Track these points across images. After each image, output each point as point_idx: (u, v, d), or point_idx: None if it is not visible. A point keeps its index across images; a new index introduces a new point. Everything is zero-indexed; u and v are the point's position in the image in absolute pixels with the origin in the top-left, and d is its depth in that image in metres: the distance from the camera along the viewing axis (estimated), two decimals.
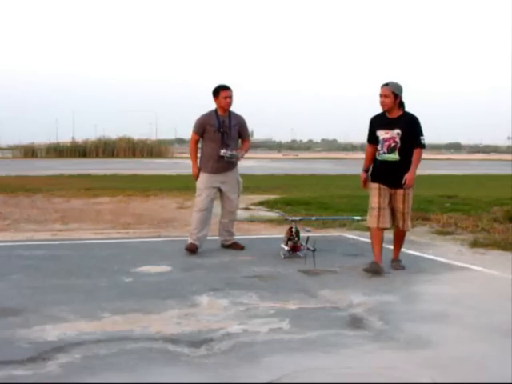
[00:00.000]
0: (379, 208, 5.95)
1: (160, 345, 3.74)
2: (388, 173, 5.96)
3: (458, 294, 5.10)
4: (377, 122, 6.14)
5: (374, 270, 5.75)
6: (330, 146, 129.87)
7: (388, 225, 6.05)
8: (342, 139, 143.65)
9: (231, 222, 7.15)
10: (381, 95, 5.94)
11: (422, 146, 5.96)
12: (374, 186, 6.04)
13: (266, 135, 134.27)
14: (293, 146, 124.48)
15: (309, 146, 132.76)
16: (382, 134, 6.00)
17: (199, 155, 7.11)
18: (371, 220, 6.01)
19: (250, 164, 38.22)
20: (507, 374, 3.26)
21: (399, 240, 6.35)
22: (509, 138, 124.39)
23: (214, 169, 6.89)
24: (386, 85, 5.94)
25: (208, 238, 7.05)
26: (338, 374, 3.26)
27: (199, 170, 6.96)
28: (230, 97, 6.86)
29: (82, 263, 6.30)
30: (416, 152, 5.93)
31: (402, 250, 6.47)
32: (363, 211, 11.25)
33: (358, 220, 8.44)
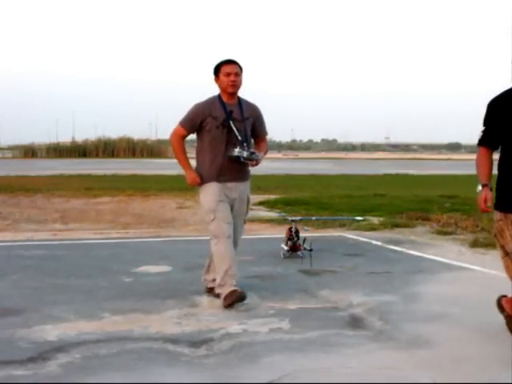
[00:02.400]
0: None
1: (160, 345, 3.73)
2: None
3: (458, 294, 5.10)
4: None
5: None
6: (330, 145, 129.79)
7: None
8: (341, 139, 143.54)
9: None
10: None
11: None
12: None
13: None
14: (293, 146, 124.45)
15: (309, 146, 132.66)
16: None
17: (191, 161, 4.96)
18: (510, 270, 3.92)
19: None
20: (507, 373, 3.26)
21: None
22: None
23: (222, 176, 4.73)
24: None
25: (208, 237, 7.02)
26: (338, 374, 3.26)
27: (199, 176, 4.79)
28: (236, 74, 4.66)
29: (81, 263, 6.30)
30: None
31: (402, 249, 6.47)
32: (363, 211, 11.33)
33: (359, 220, 8.45)
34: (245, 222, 5.05)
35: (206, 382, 3.19)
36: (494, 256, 6.98)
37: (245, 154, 4.71)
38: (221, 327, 4.08)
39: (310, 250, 6.35)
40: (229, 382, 3.19)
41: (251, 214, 10.80)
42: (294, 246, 6.62)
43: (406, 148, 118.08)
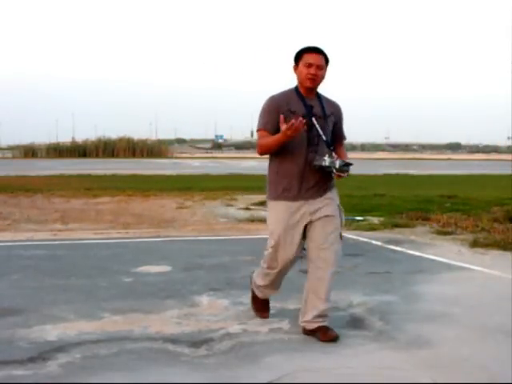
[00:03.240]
0: None
1: (160, 345, 3.73)
2: None
3: (458, 294, 5.10)
4: None
5: None
6: None
7: None
8: None
9: (323, 283, 3.92)
10: None
11: None
12: None
13: None
14: None
15: None
16: None
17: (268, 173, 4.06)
18: None
19: (250, 164, 38.25)
20: (507, 373, 3.26)
21: None
22: (509, 138, 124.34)
23: (298, 191, 3.89)
24: None
25: (208, 237, 7.05)
26: (338, 374, 3.26)
27: (270, 190, 4.01)
28: (319, 67, 3.87)
29: (81, 263, 6.30)
30: None
31: (402, 249, 6.47)
32: (363, 211, 11.33)
33: (359, 220, 8.45)
34: (341, 237, 4.03)
35: (206, 382, 3.19)
36: (494, 256, 6.99)
37: (337, 163, 3.76)
38: (221, 327, 4.08)
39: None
40: (229, 382, 3.19)
41: (251, 213, 10.84)
42: None
43: (405, 148, 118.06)
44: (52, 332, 3.95)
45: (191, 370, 3.33)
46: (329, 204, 3.97)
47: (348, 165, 3.80)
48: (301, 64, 3.90)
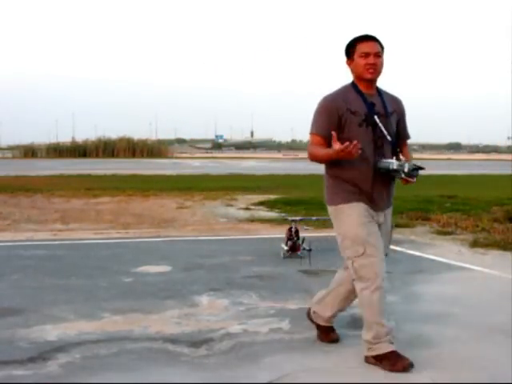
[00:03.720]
0: None
1: (160, 345, 3.73)
2: None
3: (458, 294, 5.10)
4: None
5: None
6: None
7: None
8: None
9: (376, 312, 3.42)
10: None
11: None
12: None
13: (266, 135, 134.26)
14: (293, 146, 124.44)
15: None
16: None
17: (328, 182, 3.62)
18: None
19: (250, 164, 38.27)
20: (507, 374, 3.26)
21: None
22: (509, 138, 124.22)
23: (371, 196, 3.47)
24: None
25: (208, 237, 7.03)
26: (338, 374, 3.26)
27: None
28: (377, 54, 3.49)
29: (81, 263, 6.30)
30: None
31: (402, 249, 6.47)
32: None
33: None
34: (386, 255, 3.58)
35: (206, 382, 3.19)
36: (494, 256, 6.99)
37: (406, 167, 3.36)
38: (221, 327, 4.08)
39: (309, 250, 6.36)
40: (229, 381, 3.19)
41: (251, 213, 10.85)
42: (294, 245, 6.62)
43: None
44: (52, 332, 3.95)
45: (191, 370, 3.33)
46: (388, 220, 3.62)
47: (419, 169, 3.38)
48: (356, 56, 3.51)
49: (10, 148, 70.97)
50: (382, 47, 3.54)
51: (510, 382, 3.18)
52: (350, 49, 3.55)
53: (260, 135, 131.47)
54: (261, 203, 12.55)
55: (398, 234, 8.60)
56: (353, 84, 3.55)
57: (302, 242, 6.62)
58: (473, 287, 5.43)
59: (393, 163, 3.38)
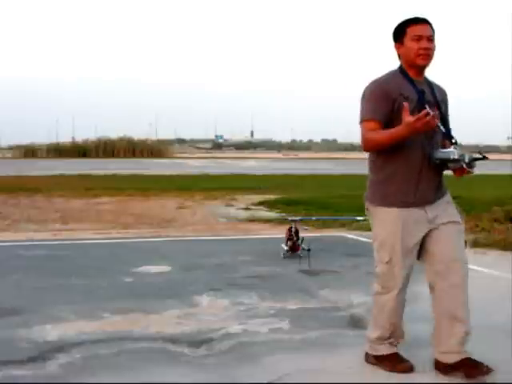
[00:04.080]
0: None
1: (160, 345, 3.73)
2: None
3: None
4: None
5: None
6: (330, 146, 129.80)
7: None
8: (342, 139, 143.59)
9: (459, 302, 3.40)
10: None
11: None
12: None
13: (266, 135, 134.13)
14: (293, 146, 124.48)
15: (309, 146, 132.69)
16: None
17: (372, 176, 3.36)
18: None
19: (250, 164, 38.29)
20: (508, 373, 3.26)
21: None
22: (509, 138, 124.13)
23: (414, 195, 3.25)
24: None
25: (208, 237, 7.02)
26: (338, 374, 3.26)
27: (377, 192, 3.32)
28: (430, 38, 3.23)
29: (82, 263, 6.30)
30: None
31: None
32: (363, 211, 11.28)
33: (359, 220, 8.44)
34: (466, 245, 3.50)
35: (206, 381, 3.19)
36: (494, 256, 6.98)
37: (467, 157, 3.14)
38: (221, 327, 4.08)
39: (309, 250, 6.36)
40: (229, 381, 3.19)
41: (251, 213, 10.84)
42: (294, 245, 6.63)
43: None
44: (52, 332, 3.95)
45: (191, 370, 3.33)
46: (449, 208, 3.38)
47: (481, 158, 3.12)
48: (407, 39, 3.22)
49: (10, 148, 70.91)
50: (434, 31, 3.28)
51: (510, 382, 3.18)
52: (400, 32, 3.26)
53: (260, 135, 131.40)
54: (261, 203, 12.55)
55: None
56: (401, 69, 3.28)
57: (301, 241, 6.63)
58: (473, 287, 5.41)
59: (453, 152, 3.15)
